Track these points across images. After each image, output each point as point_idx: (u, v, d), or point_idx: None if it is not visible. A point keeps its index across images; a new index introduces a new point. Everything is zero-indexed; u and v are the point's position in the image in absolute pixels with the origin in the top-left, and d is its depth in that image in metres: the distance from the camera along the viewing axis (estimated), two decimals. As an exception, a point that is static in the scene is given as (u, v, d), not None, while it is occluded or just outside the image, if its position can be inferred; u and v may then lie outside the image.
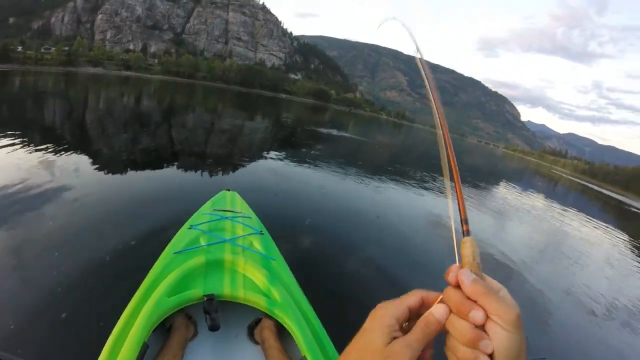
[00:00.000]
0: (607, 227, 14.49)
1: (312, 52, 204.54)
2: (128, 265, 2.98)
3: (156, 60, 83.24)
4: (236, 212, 2.79)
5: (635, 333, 4.96)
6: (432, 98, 0.50)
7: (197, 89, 48.88)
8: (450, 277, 0.42)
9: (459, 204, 0.46)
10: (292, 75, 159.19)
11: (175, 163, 7.43)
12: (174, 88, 42.40)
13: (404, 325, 0.44)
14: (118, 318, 1.43)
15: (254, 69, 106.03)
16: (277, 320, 1.63)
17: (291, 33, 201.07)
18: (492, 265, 5.73)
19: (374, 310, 0.45)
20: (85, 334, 2.24)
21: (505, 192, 16.30)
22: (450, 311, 0.41)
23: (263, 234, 2.45)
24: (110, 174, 5.66)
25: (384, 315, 0.44)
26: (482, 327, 0.38)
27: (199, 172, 6.95)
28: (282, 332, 1.69)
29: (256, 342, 1.74)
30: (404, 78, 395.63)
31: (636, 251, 11.24)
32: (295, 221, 5.25)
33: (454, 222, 0.46)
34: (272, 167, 8.94)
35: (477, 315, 0.38)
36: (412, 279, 4.43)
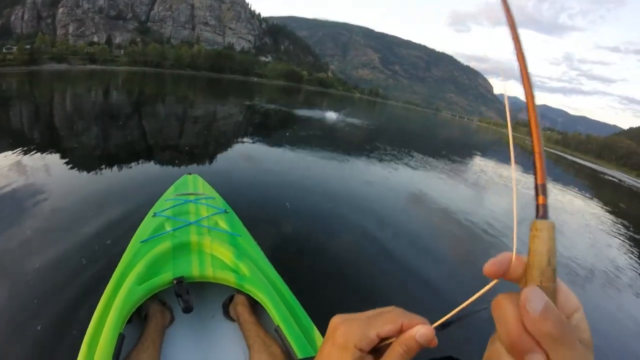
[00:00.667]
0: (582, 194, 15.08)
1: (281, 34, 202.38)
2: (97, 259, 2.96)
3: (122, 51, 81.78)
4: (199, 195, 2.80)
5: (613, 294, 5.06)
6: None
7: (165, 78, 48.03)
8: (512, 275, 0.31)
9: (535, 162, 0.30)
10: (263, 58, 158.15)
11: (139, 153, 7.39)
12: (141, 78, 41.31)
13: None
14: (92, 313, 1.43)
15: (223, 54, 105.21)
16: (249, 295, 1.67)
17: (259, 15, 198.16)
18: (470, 240, 5.63)
19: (333, 330, 0.38)
20: (62, 332, 2.20)
21: (481, 164, 16.21)
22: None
23: (227, 212, 2.49)
24: (73, 170, 5.58)
25: (346, 346, 0.36)
26: None
27: (162, 159, 6.89)
28: (255, 306, 1.76)
29: (232, 319, 1.80)
30: (376, 55, 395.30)
31: (612, 216, 11.61)
32: (259, 197, 5.30)
33: (516, 192, 0.33)
34: (235, 148, 9.20)
35: None
36: (386, 246, 4.49)
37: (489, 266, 0.31)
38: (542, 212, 0.29)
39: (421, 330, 0.33)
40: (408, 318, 0.35)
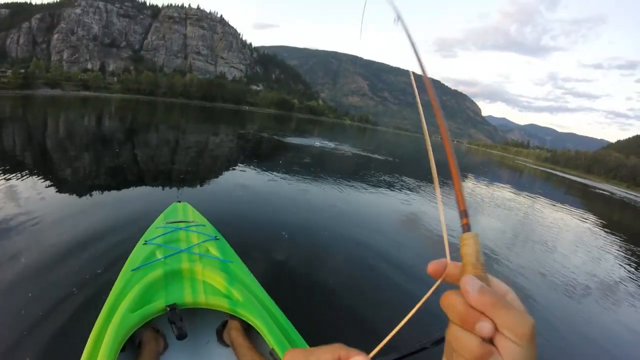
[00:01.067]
0: (574, 209, 15.40)
1: (272, 63, 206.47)
2: (88, 288, 2.94)
3: (115, 79, 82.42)
4: (189, 222, 2.82)
5: (607, 307, 5.14)
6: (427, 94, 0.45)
7: (158, 106, 48.18)
8: (449, 277, 0.38)
9: (457, 193, 0.39)
10: (254, 87, 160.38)
11: (129, 181, 7.31)
12: (134, 106, 41.47)
13: None
14: (85, 343, 1.43)
15: (215, 83, 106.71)
16: (243, 320, 1.68)
17: (251, 44, 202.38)
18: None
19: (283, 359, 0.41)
20: None
21: (473, 185, 16.63)
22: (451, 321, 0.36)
23: (218, 239, 2.50)
24: (63, 197, 5.55)
25: None
26: (489, 341, 0.33)
27: (152, 187, 6.90)
28: (249, 331, 1.76)
29: (226, 345, 1.80)
30: (365, 82, 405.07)
31: (604, 227, 12.00)
32: (249, 224, 5.32)
33: (442, 213, 0.40)
34: (225, 176, 9.17)
35: (486, 328, 0.33)
36: (373, 266, 4.61)
37: (430, 267, 0.38)
38: (466, 228, 0.37)
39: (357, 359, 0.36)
40: (347, 351, 0.37)
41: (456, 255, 0.37)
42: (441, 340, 0.37)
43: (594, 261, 7.43)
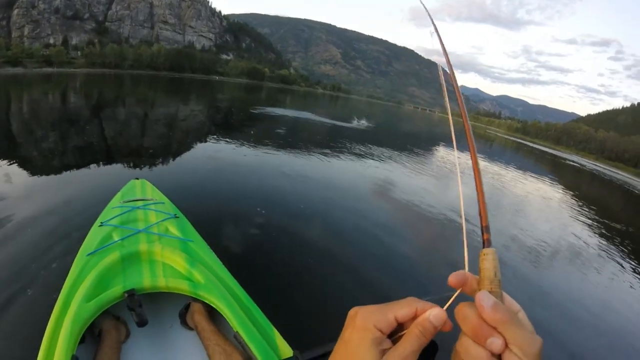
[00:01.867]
0: (546, 178, 16.05)
1: (243, 31, 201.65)
2: (41, 277, 2.77)
3: (79, 53, 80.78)
4: (147, 200, 2.72)
5: (574, 269, 5.45)
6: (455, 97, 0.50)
7: (124, 79, 47.17)
8: (468, 290, 0.40)
9: (480, 210, 0.41)
10: (224, 56, 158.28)
11: (85, 158, 6.91)
12: (100, 80, 40.50)
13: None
14: (42, 337, 1.33)
15: (183, 53, 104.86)
16: (206, 303, 1.64)
17: (220, 12, 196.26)
18: (443, 226, 5.92)
19: (352, 317, 0.42)
20: None
21: (445, 154, 16.81)
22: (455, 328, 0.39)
23: (178, 217, 2.44)
24: (13, 177, 5.18)
25: (366, 327, 0.40)
26: (498, 356, 0.35)
27: (110, 165, 6.58)
28: (213, 313, 1.73)
29: (191, 328, 1.77)
30: (338, 51, 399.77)
31: (572, 197, 12.77)
32: (210, 200, 5.11)
33: (465, 226, 0.43)
34: (186, 150, 8.88)
35: (497, 343, 0.35)
36: (346, 243, 4.52)
37: (451, 278, 0.40)
38: (487, 244, 0.39)
39: (434, 312, 0.39)
40: (422, 304, 0.40)
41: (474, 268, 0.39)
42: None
43: (563, 226, 7.95)
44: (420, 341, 0.38)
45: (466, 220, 0.43)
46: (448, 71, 0.50)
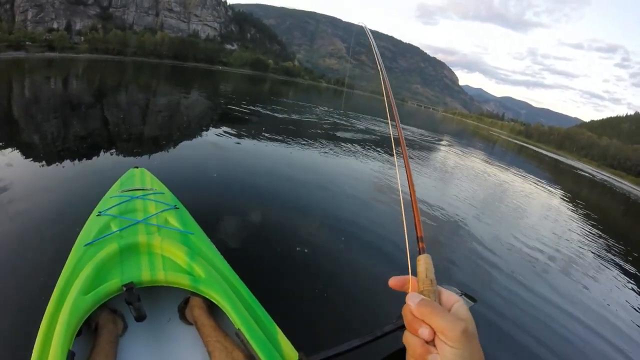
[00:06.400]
0: (546, 183, 16.05)
1: (248, 21, 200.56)
2: (37, 267, 2.70)
3: (82, 38, 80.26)
4: (147, 190, 2.68)
5: (573, 275, 5.42)
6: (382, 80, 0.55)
7: (127, 66, 46.93)
8: (407, 292, 0.48)
9: (415, 221, 0.50)
10: (228, 46, 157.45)
11: (84, 146, 6.74)
12: (102, 67, 39.90)
13: None
14: (37, 331, 1.30)
15: (187, 41, 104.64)
16: (206, 298, 1.60)
17: (225, 2, 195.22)
18: (441, 225, 5.92)
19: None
20: (4, 357, 2.01)
21: (447, 153, 17.01)
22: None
23: (178, 208, 2.39)
24: (13, 165, 5.03)
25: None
26: (433, 343, 0.43)
27: (110, 153, 6.36)
28: (213, 308, 1.68)
29: (189, 323, 1.73)
30: (343, 45, 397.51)
31: (572, 201, 12.76)
32: (213, 191, 5.02)
33: (407, 237, 0.51)
34: (187, 140, 8.68)
35: (424, 333, 0.43)
36: (349, 239, 4.45)
37: (390, 282, 0.50)
38: (422, 251, 0.49)
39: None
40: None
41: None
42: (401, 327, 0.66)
43: (563, 232, 7.92)
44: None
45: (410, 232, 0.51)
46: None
